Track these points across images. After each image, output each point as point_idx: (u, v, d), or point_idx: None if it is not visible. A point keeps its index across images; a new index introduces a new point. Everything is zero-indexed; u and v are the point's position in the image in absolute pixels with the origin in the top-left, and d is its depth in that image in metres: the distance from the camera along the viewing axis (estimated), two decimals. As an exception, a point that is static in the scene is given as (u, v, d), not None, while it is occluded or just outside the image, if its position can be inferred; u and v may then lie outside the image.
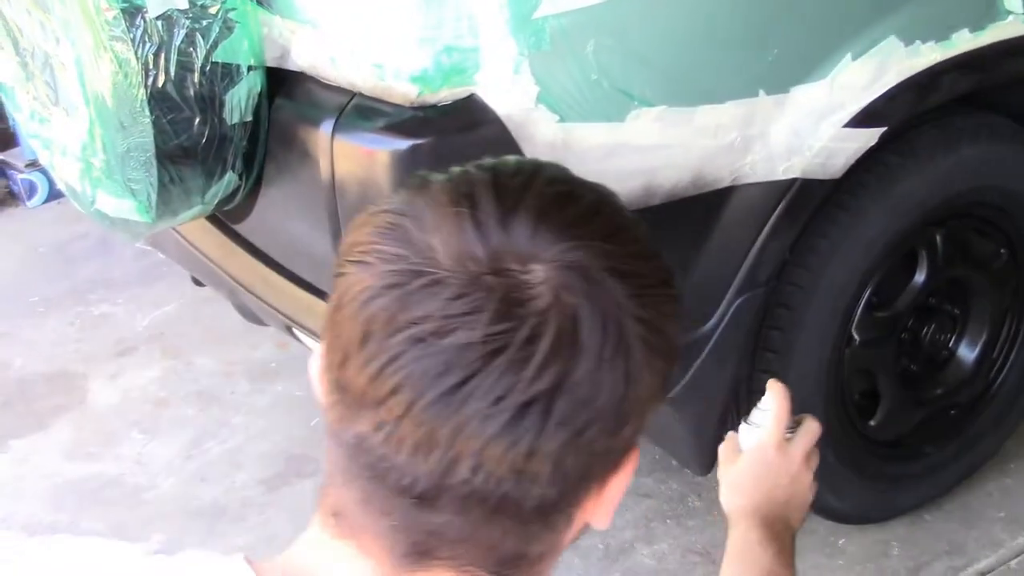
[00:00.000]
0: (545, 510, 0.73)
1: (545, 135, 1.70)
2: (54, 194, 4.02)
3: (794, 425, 1.33)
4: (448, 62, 1.65)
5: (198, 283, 2.62)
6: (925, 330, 2.30)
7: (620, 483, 0.77)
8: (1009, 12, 1.97)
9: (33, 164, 4.00)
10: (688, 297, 1.92)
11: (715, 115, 1.79)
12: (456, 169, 0.77)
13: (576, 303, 0.69)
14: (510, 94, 1.67)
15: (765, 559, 1.21)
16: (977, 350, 2.34)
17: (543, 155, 1.69)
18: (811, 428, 1.32)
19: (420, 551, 0.74)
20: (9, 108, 2.19)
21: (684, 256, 1.90)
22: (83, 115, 1.83)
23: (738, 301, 1.95)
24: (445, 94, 1.67)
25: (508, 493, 0.71)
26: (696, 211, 1.86)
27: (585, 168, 1.74)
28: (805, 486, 1.29)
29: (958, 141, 2.11)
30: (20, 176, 3.98)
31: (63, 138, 1.96)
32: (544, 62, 1.66)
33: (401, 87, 1.67)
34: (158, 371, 3.11)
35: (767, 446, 1.27)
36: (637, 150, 1.76)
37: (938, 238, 2.18)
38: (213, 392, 3.01)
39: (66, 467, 2.78)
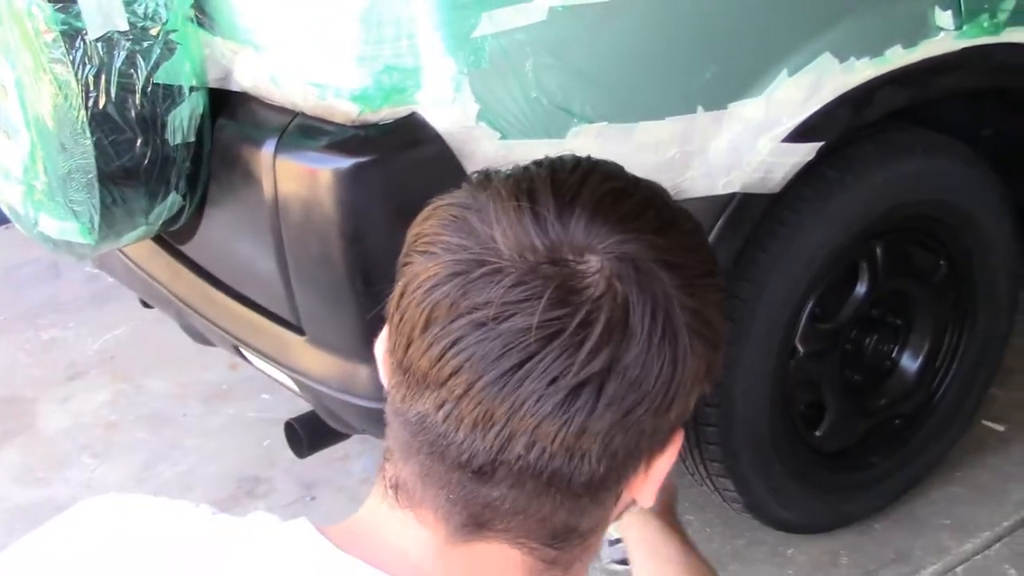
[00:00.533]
0: (594, 486, 0.77)
1: (487, 152, 1.71)
2: (1, 219, 3.98)
3: None
4: (388, 81, 1.66)
5: (146, 305, 2.61)
6: (868, 341, 2.33)
7: (665, 462, 0.81)
8: (940, 28, 2.01)
9: (-18, 188, 3.96)
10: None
11: (655, 131, 1.82)
12: (517, 166, 0.81)
13: (627, 291, 0.74)
14: (451, 112, 1.68)
15: (675, 551, 1.26)
16: (919, 360, 2.38)
17: (484, 172, 1.71)
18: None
19: (476, 523, 0.78)
20: (-48, 131, 2.18)
21: (627, 271, 1.92)
22: (24, 137, 1.83)
23: (680, 314, 1.96)
24: (386, 113, 1.68)
25: (560, 468, 0.75)
26: (638, 226, 1.88)
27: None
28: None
29: (894, 155, 2.14)
30: (-32, 201, 3.95)
31: (5, 161, 1.95)
32: (484, 80, 1.68)
33: (342, 106, 1.68)
34: (109, 394, 3.09)
35: None
36: (578, 167, 1.78)
37: (878, 251, 2.21)
38: (165, 414, 3.00)
39: (16, 492, 2.76)
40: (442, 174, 1.70)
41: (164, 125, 1.80)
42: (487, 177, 0.80)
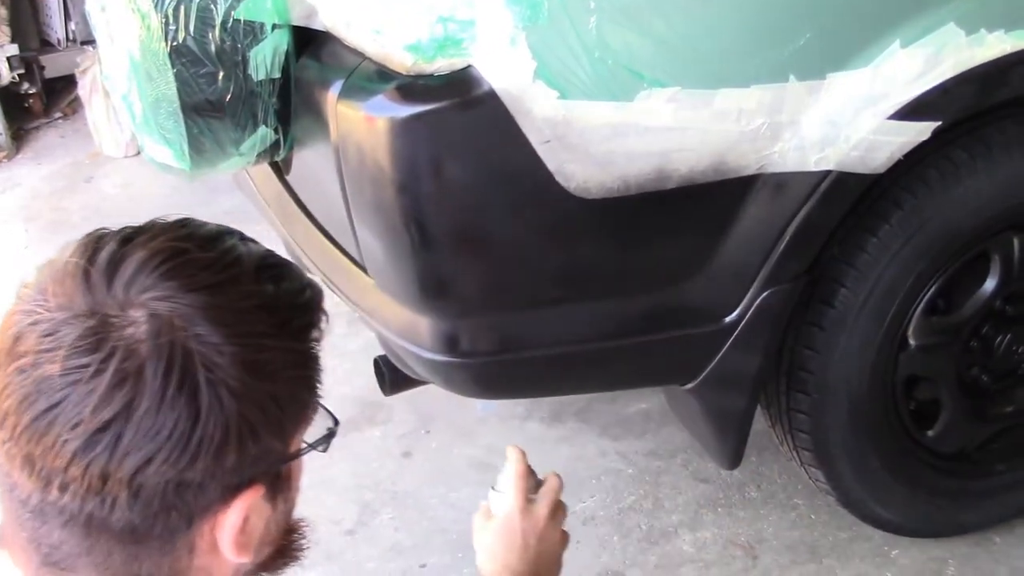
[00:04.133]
0: (139, 534, 0.80)
1: (544, 111, 1.64)
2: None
3: (537, 486, 1.40)
4: (443, 32, 1.62)
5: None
6: (1000, 340, 2.12)
7: (235, 517, 0.83)
8: (1103, 2, 1.77)
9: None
10: (708, 287, 1.84)
11: (737, 99, 1.69)
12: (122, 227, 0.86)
13: (146, 345, 0.78)
14: (506, 68, 1.62)
15: None
16: (1064, 368, 2.15)
17: (542, 131, 1.65)
18: (551, 486, 1.41)
19: (51, 563, 0.82)
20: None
21: (704, 244, 1.81)
22: (124, 63, 1.90)
23: (764, 294, 1.85)
24: (441, 64, 1.64)
25: (94, 513, 0.79)
26: (718, 198, 1.77)
27: (591, 147, 1.69)
28: (554, 541, 1.39)
29: (1042, 140, 1.92)
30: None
31: (119, 82, 2.04)
32: (543, 37, 1.61)
33: (398, 55, 1.65)
34: (265, 306, 3.21)
35: (512, 513, 1.37)
36: (648, 131, 1.69)
37: (1015, 242, 2.00)
38: (311, 331, 3.09)
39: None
40: (496, 130, 1.65)
41: (246, 60, 1.83)
42: (89, 234, 0.85)
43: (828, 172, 1.77)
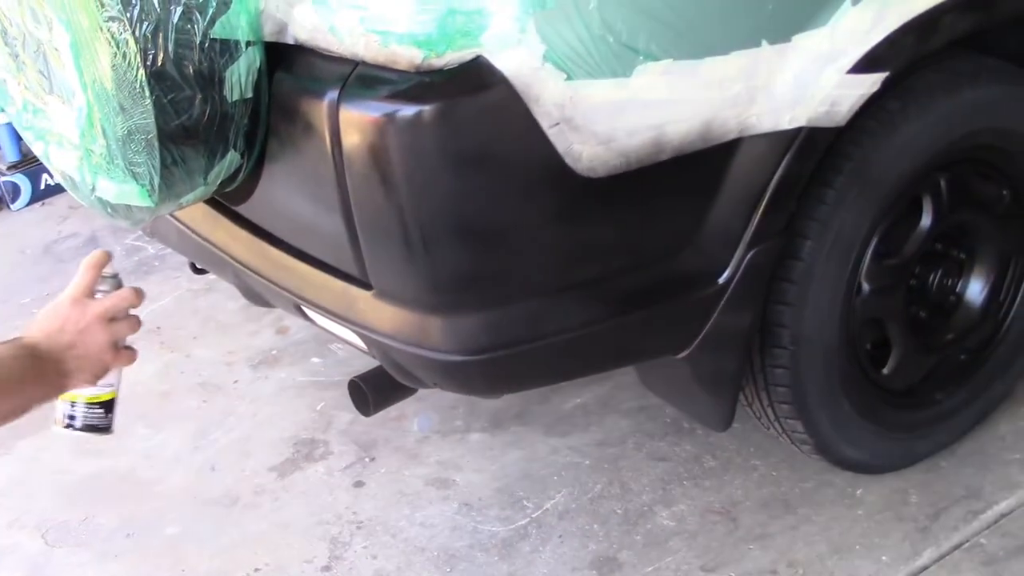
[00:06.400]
0: None
1: (553, 94, 1.68)
2: (37, 195, 3.98)
3: (114, 287, 1.58)
4: (452, 24, 1.63)
5: (197, 271, 2.59)
6: (932, 276, 2.29)
7: None
8: (1007, -51, 1.97)
9: (15, 166, 3.95)
10: (703, 251, 1.91)
11: (720, 67, 1.78)
12: None
13: None
14: (516, 54, 1.65)
15: (6, 370, 1.41)
16: (984, 294, 2.35)
17: (551, 114, 1.68)
18: (120, 294, 1.57)
19: None
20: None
21: (696, 210, 1.89)
22: (81, 101, 1.80)
23: (751, 253, 1.93)
24: (451, 57, 1.65)
25: None
26: (705, 165, 1.85)
27: (595, 126, 1.73)
28: (97, 343, 1.50)
29: (957, 84, 2.10)
30: (3, 179, 3.93)
31: (59, 127, 1.93)
32: (549, 20, 1.65)
33: (405, 52, 1.65)
34: (158, 364, 3.07)
35: (66, 297, 1.52)
36: (645, 105, 1.75)
37: (942, 183, 2.18)
38: (215, 382, 2.98)
39: (75, 464, 2.75)
40: (509, 118, 1.67)
41: (222, 81, 1.77)
42: None
43: (800, 129, 1.88)
